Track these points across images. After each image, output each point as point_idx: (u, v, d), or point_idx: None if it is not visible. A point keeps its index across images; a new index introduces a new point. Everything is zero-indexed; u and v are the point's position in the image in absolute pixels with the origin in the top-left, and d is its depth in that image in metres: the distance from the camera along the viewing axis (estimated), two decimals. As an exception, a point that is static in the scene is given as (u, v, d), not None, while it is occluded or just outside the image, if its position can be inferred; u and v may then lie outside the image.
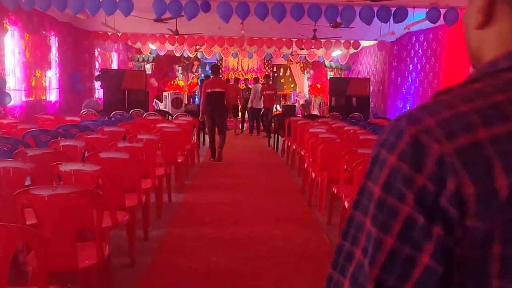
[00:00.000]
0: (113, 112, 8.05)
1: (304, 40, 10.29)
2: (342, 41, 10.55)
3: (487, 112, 0.48)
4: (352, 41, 10.49)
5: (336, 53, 13.70)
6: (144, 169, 3.70)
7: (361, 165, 3.27)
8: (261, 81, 11.63)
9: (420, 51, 9.82)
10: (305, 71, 16.90)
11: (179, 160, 5.31)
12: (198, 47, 11.96)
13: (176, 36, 10.02)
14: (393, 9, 6.32)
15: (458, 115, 0.48)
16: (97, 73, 11.04)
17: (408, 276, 0.49)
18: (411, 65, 10.27)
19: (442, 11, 6.56)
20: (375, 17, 6.15)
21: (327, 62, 15.17)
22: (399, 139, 0.50)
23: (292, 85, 17.29)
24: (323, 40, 10.20)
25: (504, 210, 0.46)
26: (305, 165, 5.33)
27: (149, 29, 10.12)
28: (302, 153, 5.94)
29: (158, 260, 3.30)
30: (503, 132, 0.47)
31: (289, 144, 7.29)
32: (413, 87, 10.07)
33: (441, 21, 6.74)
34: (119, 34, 10.46)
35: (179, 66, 16.37)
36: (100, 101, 10.27)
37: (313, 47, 10.61)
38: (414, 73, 10.08)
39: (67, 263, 2.15)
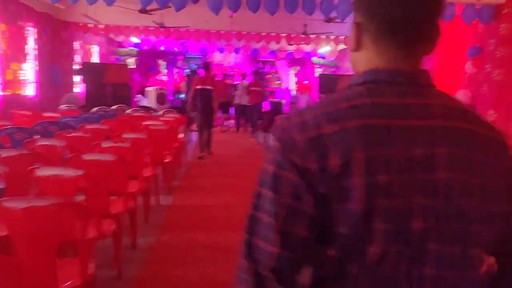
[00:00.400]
0: (95, 108, 7.65)
1: (293, 36, 10.03)
2: (333, 37, 10.32)
3: (331, 115, 0.69)
4: (342, 37, 10.26)
5: (324, 49, 13.49)
6: (131, 171, 3.39)
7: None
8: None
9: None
10: (292, 67, 16.65)
11: (167, 160, 5.00)
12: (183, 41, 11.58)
13: (161, 29, 9.64)
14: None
15: (314, 116, 0.70)
16: (78, 67, 10.55)
17: (301, 223, 0.67)
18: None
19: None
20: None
21: (314, 59, 14.95)
22: (280, 130, 0.71)
23: (278, 82, 17.02)
24: (313, 36, 9.96)
25: (336, 179, 0.66)
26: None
27: (133, 21, 9.69)
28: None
29: (148, 271, 3.02)
30: (337, 129, 0.67)
31: (280, 142, 7.04)
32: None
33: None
34: (101, 26, 10.00)
35: (163, 60, 15.94)
36: (81, 96, 9.81)
37: (303, 42, 10.36)
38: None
39: (45, 286, 1.84)
